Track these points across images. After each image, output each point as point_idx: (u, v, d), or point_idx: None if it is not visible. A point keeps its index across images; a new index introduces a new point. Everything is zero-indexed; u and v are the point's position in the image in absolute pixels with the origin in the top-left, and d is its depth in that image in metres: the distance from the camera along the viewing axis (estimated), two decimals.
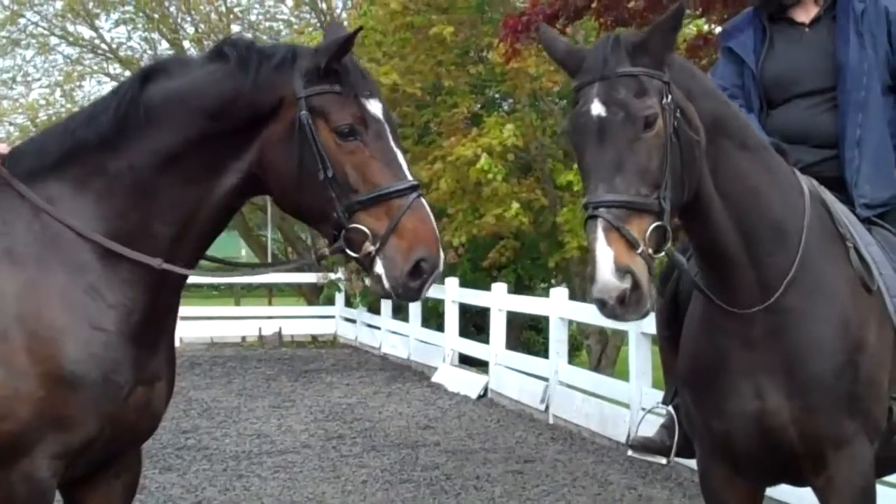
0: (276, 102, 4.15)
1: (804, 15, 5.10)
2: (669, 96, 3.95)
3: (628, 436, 11.45)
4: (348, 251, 4.10)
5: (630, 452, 5.23)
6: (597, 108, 3.91)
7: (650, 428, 5.20)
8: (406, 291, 4.07)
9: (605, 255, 3.75)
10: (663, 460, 5.10)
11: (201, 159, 4.19)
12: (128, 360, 4.18)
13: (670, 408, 4.95)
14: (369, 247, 4.05)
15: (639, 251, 3.77)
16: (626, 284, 3.73)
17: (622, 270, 3.73)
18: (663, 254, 3.93)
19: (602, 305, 3.80)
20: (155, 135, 4.20)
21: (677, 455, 4.94)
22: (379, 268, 4.06)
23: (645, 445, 5.08)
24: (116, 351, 4.15)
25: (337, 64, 4.14)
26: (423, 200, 4.13)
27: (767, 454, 4.41)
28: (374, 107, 4.19)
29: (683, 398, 4.69)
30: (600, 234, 3.77)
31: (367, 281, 4.21)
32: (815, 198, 4.54)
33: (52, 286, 4.14)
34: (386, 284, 4.07)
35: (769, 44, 5.09)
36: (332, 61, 4.12)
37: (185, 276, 4.39)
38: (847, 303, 4.41)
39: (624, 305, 3.76)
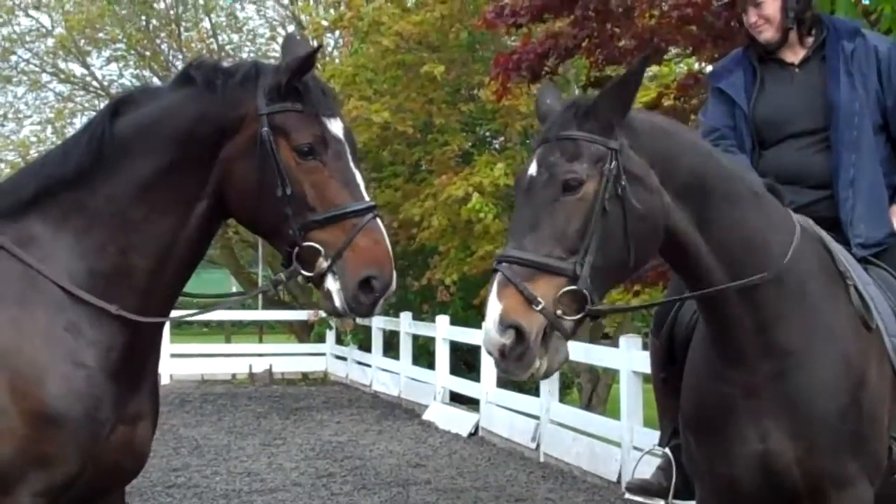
0: (240, 118, 4.17)
1: (793, 55, 5.11)
2: (613, 163, 3.92)
3: (619, 475, 11.45)
4: (302, 271, 4.12)
5: (627, 495, 5.22)
6: (532, 169, 3.96)
7: (647, 468, 5.19)
8: (358, 306, 4.10)
9: (493, 309, 3.76)
10: (661, 503, 5.09)
11: (175, 186, 4.20)
12: (109, 398, 4.16)
13: (667, 450, 4.94)
14: (322, 263, 4.08)
15: (538, 309, 3.75)
16: (507, 340, 3.73)
17: (505, 325, 3.73)
18: (582, 316, 3.85)
19: (490, 356, 3.82)
20: (130, 165, 4.21)
21: (675, 497, 4.92)
22: (330, 283, 4.09)
23: (642, 488, 5.07)
24: (98, 387, 4.13)
25: (298, 82, 4.16)
26: (379, 221, 4.16)
27: (771, 495, 4.39)
28: (335, 126, 4.20)
29: (686, 442, 4.66)
30: (494, 287, 3.80)
31: (320, 298, 4.21)
32: (810, 237, 4.53)
33: (32, 323, 4.12)
34: (336, 300, 4.10)
35: (760, 84, 5.10)
36: (293, 79, 4.15)
37: (167, 315, 4.38)
38: (849, 341, 4.40)
39: (505, 359, 3.77)
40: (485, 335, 3.78)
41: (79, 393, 4.08)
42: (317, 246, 4.08)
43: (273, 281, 4.38)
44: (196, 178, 4.21)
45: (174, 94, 4.31)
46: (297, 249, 4.11)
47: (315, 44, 3.91)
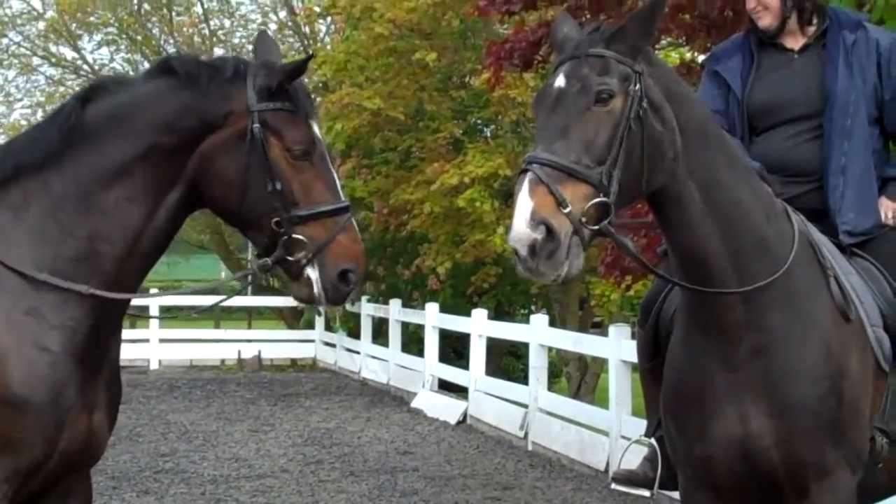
0: (226, 113, 4.25)
1: (793, 42, 5.11)
2: (638, 85, 4.01)
3: (607, 464, 11.46)
4: (287, 258, 4.28)
5: (613, 485, 5.23)
6: (559, 82, 4.03)
7: (633, 458, 5.19)
8: (336, 293, 4.33)
9: (524, 206, 3.79)
10: (647, 493, 5.09)
11: (146, 175, 4.24)
12: (74, 383, 4.15)
13: (653, 440, 4.94)
14: (302, 255, 4.27)
15: (566, 211, 3.79)
16: (539, 235, 3.76)
17: (537, 220, 3.76)
18: (598, 227, 3.90)
19: (516, 255, 3.84)
20: (100, 152, 4.24)
21: (661, 488, 4.92)
22: (312, 273, 4.28)
23: (628, 478, 5.09)
24: (63, 372, 4.12)
25: (288, 84, 4.28)
26: (354, 221, 4.42)
27: (750, 479, 4.39)
28: (317, 128, 4.38)
29: (667, 426, 4.66)
30: (525, 185, 3.83)
31: (294, 286, 4.40)
32: (799, 227, 4.54)
33: None
34: (315, 287, 4.28)
35: (757, 69, 5.10)
36: (286, 82, 4.27)
37: (130, 299, 4.41)
38: (830, 329, 4.41)
39: (535, 256, 3.78)
40: (513, 231, 3.79)
41: (43, 377, 4.08)
42: (302, 238, 4.25)
43: (260, 266, 4.40)
44: (170, 168, 4.26)
45: (150, 83, 4.34)
46: (284, 238, 4.25)
47: (308, 52, 4.09)
